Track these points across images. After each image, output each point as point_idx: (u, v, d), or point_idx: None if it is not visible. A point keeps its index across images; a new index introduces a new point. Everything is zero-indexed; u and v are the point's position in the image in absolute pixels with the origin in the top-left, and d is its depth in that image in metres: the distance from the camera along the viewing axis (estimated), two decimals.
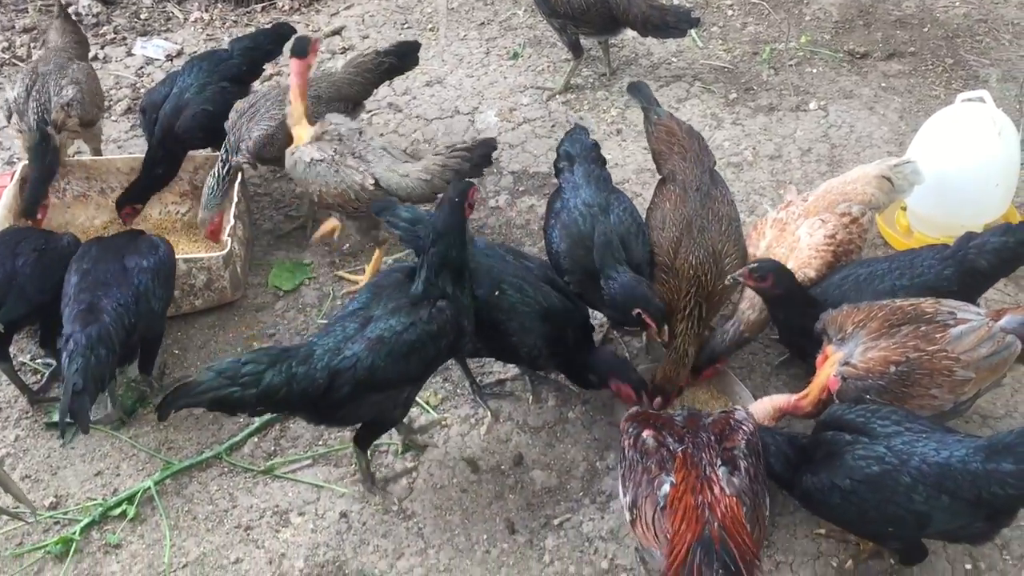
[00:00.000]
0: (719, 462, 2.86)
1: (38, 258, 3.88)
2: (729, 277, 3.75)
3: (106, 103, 5.57)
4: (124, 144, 5.47)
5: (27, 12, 6.64)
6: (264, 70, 5.30)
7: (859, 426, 3.14)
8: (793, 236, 3.97)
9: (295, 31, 5.27)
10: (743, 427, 3.00)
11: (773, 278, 3.63)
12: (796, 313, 3.71)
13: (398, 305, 3.36)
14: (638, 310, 3.66)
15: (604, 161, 4.27)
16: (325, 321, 3.64)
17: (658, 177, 4.37)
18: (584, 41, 5.80)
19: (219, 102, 4.71)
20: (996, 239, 3.75)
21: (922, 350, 3.29)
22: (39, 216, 4.47)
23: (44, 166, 4.50)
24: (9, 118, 4.62)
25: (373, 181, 4.20)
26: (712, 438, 2.94)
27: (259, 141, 4.48)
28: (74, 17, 6.50)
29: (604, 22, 5.61)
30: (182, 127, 4.64)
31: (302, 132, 4.34)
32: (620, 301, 3.71)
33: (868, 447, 3.04)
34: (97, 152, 5.05)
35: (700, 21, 5.82)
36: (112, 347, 3.56)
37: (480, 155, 4.29)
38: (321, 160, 4.24)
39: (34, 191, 4.47)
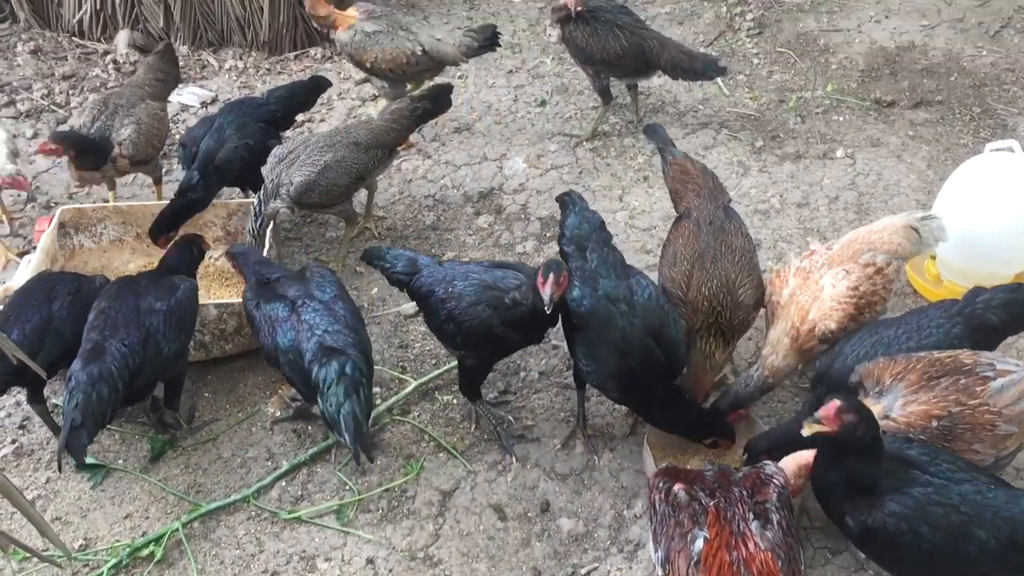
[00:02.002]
0: (752, 516, 2.84)
1: (72, 301, 3.94)
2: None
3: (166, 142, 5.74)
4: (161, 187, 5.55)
5: (66, 60, 6.80)
6: (296, 120, 5.40)
7: (923, 465, 3.05)
8: (816, 285, 3.95)
9: (330, 84, 5.40)
10: (774, 480, 2.98)
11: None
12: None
13: (315, 284, 3.98)
14: (713, 439, 3.76)
15: (611, 237, 4.09)
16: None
17: None
18: (612, 88, 5.88)
19: (258, 140, 4.88)
20: (1003, 295, 3.69)
21: (964, 404, 3.25)
22: None
23: (95, 142, 4.80)
24: None
25: (421, 48, 5.39)
26: (744, 492, 2.92)
27: (300, 187, 4.57)
28: (113, 64, 6.69)
29: (638, 65, 5.72)
30: (223, 158, 4.77)
31: (348, 13, 5.45)
32: (689, 430, 3.80)
33: (942, 492, 2.96)
34: (157, 180, 5.28)
35: (727, 70, 5.90)
36: (114, 386, 3.59)
37: (484, 39, 5.54)
38: (379, 31, 5.36)
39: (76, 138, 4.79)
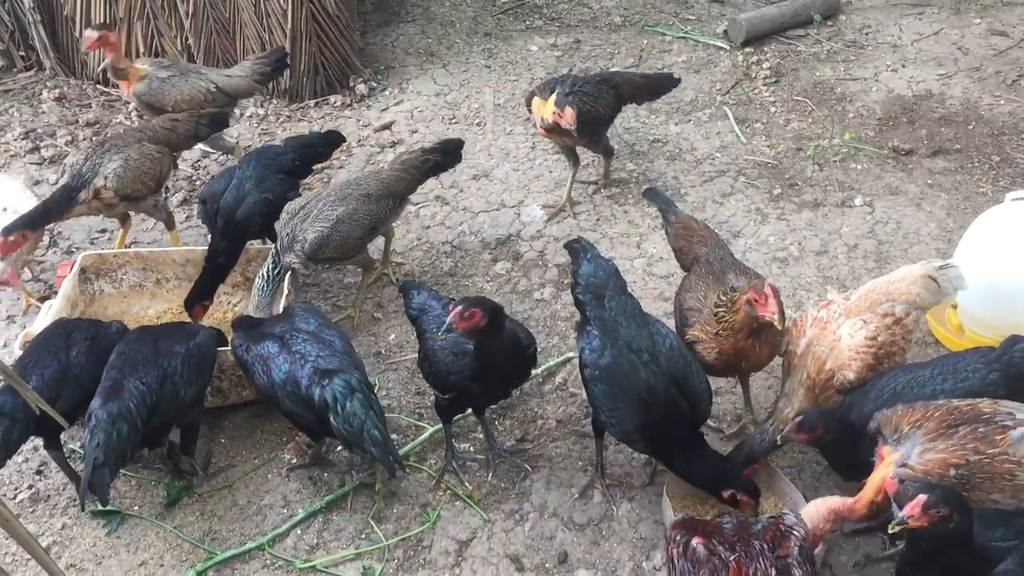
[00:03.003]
0: (773, 572, 2.79)
1: (90, 347, 3.96)
2: (779, 437, 3.70)
3: (166, 185, 5.78)
4: (180, 233, 5.59)
5: (91, 107, 6.91)
6: (313, 170, 5.46)
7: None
8: (834, 335, 3.91)
9: (344, 139, 5.51)
10: (794, 533, 2.93)
11: (822, 427, 3.57)
12: (846, 450, 3.61)
13: (299, 318, 4.12)
14: (731, 491, 3.62)
15: (626, 284, 3.96)
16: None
17: None
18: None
19: (277, 192, 4.92)
20: None
21: (982, 453, 3.21)
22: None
23: (46, 207, 4.81)
24: (63, 173, 4.87)
25: (215, 85, 5.66)
26: (764, 546, 2.87)
27: (315, 243, 4.58)
28: (136, 111, 6.78)
29: (618, 106, 5.80)
30: (243, 214, 4.80)
31: (137, 66, 5.68)
32: (710, 483, 3.68)
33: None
34: (170, 224, 5.34)
35: (680, 80, 6.06)
36: (133, 423, 3.61)
37: (275, 61, 5.91)
38: (172, 75, 5.63)
39: (25, 219, 4.79)
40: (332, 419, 3.70)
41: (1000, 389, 3.56)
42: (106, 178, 4.86)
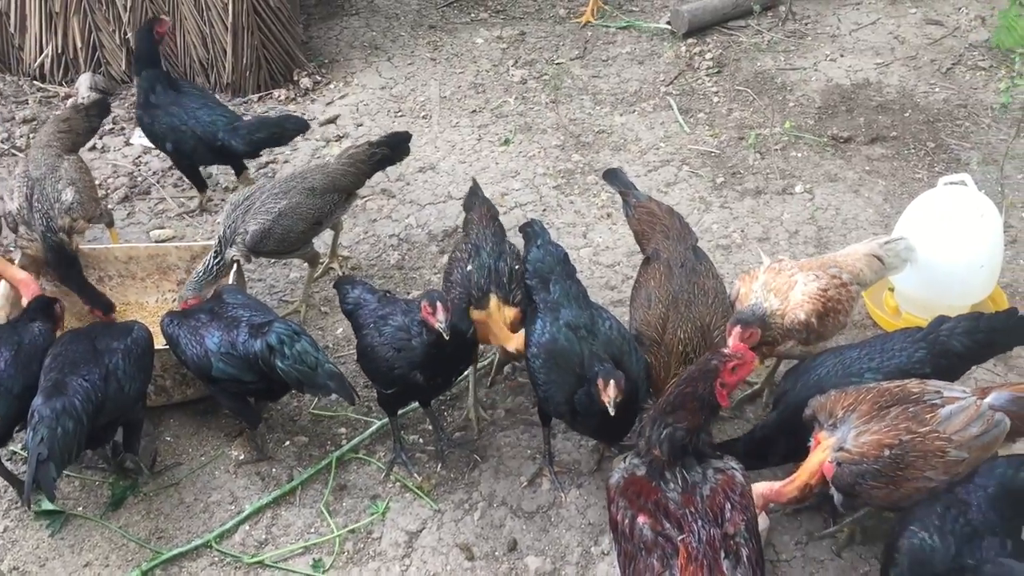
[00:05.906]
0: (723, 553, 2.81)
1: (15, 355, 3.84)
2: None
3: (102, 191, 5.69)
4: (121, 232, 5.50)
5: (27, 104, 6.77)
6: (261, 159, 5.47)
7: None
8: (791, 278, 4.02)
9: (308, 126, 5.73)
10: (741, 502, 2.93)
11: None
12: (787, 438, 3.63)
13: (225, 294, 4.20)
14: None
15: (574, 270, 4.09)
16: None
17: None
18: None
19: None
20: (966, 323, 3.78)
21: (914, 432, 3.30)
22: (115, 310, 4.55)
23: (72, 273, 4.51)
24: (15, 229, 4.64)
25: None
26: (711, 521, 2.87)
27: (255, 235, 4.55)
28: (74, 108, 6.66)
29: None
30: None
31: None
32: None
33: None
34: (110, 224, 5.18)
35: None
36: (79, 419, 3.55)
37: None
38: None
39: (91, 297, 4.48)
40: (280, 363, 3.71)
41: (926, 367, 3.68)
42: (70, 210, 4.60)
